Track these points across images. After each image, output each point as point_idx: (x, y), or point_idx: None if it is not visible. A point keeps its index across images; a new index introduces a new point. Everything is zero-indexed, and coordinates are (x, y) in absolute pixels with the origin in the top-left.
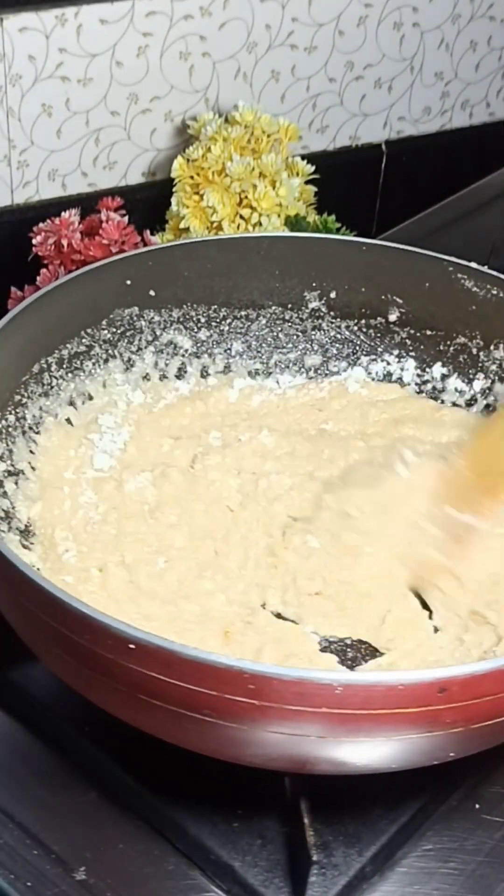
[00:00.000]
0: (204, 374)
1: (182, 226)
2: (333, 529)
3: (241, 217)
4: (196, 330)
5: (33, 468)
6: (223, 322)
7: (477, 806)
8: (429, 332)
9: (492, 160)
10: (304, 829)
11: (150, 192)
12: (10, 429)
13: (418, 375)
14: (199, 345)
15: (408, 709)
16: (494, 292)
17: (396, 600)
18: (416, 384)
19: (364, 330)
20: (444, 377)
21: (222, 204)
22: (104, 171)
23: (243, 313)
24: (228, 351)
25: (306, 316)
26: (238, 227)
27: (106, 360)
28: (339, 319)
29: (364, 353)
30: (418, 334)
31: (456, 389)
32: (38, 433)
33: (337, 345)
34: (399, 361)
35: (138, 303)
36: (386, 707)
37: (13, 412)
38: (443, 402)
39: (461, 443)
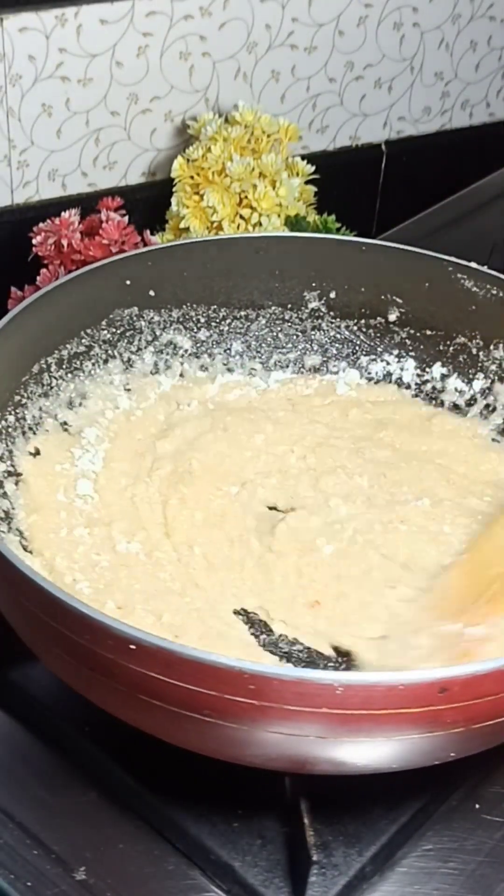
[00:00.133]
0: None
1: (182, 226)
2: None
3: (241, 217)
4: (196, 330)
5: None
6: (223, 322)
7: (477, 806)
8: (428, 332)
9: (492, 160)
10: (304, 829)
11: (150, 192)
12: (9, 429)
13: (418, 375)
14: (198, 345)
15: (408, 709)
16: (494, 292)
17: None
18: (416, 384)
19: (364, 330)
20: (443, 377)
21: (222, 204)
22: (104, 171)
23: (243, 313)
24: (228, 351)
25: (306, 316)
26: (238, 227)
27: (106, 361)
28: (338, 319)
29: (364, 353)
30: (418, 334)
31: (456, 389)
32: (35, 434)
33: (336, 345)
34: (399, 361)
35: (138, 303)
36: (386, 707)
37: (13, 412)
38: (442, 402)
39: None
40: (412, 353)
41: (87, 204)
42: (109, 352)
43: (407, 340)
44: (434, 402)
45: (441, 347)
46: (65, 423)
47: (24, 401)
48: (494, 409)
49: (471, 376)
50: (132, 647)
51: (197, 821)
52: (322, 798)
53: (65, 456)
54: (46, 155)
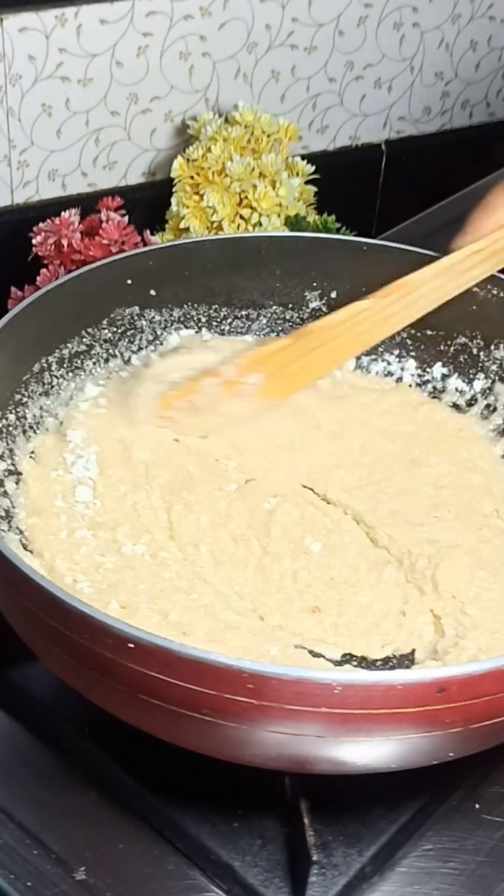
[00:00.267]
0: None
1: (182, 226)
2: None
3: (241, 217)
4: (197, 329)
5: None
6: (224, 322)
7: (477, 806)
8: (429, 332)
9: (492, 160)
10: (304, 829)
11: (150, 192)
12: (10, 428)
13: (419, 375)
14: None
15: (407, 709)
16: (495, 292)
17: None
18: (417, 384)
19: None
20: (444, 377)
21: (222, 204)
22: (104, 171)
23: (244, 313)
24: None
25: (307, 316)
26: (238, 227)
27: (107, 360)
28: None
29: (364, 352)
30: (419, 334)
31: (456, 389)
32: (36, 434)
33: None
34: (399, 361)
35: (139, 302)
36: (385, 707)
37: (13, 411)
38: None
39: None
40: (413, 353)
41: (87, 204)
42: (111, 351)
43: (408, 340)
44: (419, 397)
45: (442, 347)
46: (63, 423)
47: (24, 399)
48: (495, 409)
49: (471, 376)
50: (131, 645)
51: (197, 821)
52: (322, 798)
53: (58, 462)
54: (46, 155)
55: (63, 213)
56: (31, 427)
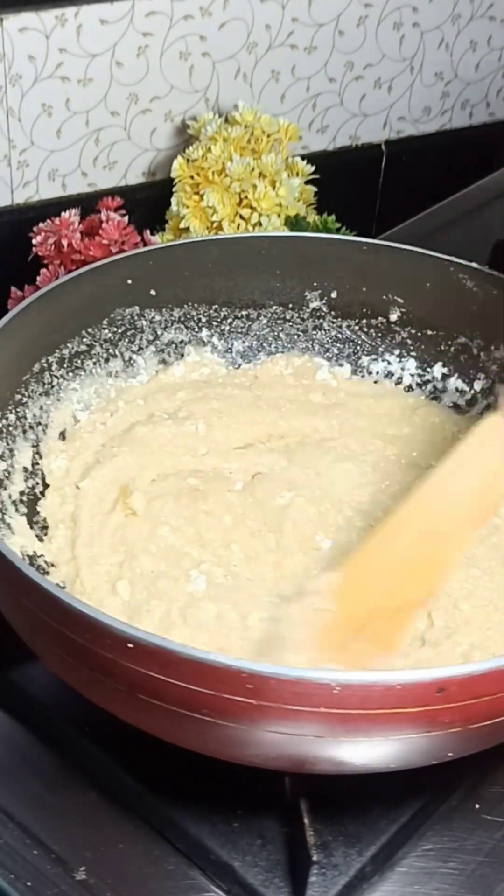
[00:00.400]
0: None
1: (182, 226)
2: None
3: (241, 217)
4: (197, 329)
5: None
6: (224, 322)
7: (477, 806)
8: (429, 332)
9: (492, 160)
10: (304, 829)
11: (150, 192)
12: (10, 428)
13: (419, 375)
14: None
15: (406, 709)
16: (495, 293)
17: None
18: (417, 384)
19: (365, 330)
20: (444, 377)
21: (222, 204)
22: (104, 171)
23: (244, 313)
24: (229, 350)
25: (307, 315)
26: (238, 227)
27: (107, 360)
28: (339, 319)
29: (365, 352)
30: (419, 334)
31: (457, 389)
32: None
33: (338, 344)
34: (400, 361)
35: (139, 302)
36: (384, 707)
37: (14, 411)
38: (442, 402)
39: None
40: (413, 353)
41: (87, 204)
42: (111, 351)
43: (408, 340)
44: (412, 401)
45: (442, 347)
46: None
47: (24, 399)
48: (495, 409)
49: (472, 376)
50: (130, 646)
51: (197, 821)
52: (322, 798)
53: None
54: (46, 155)
55: (63, 213)
56: (31, 427)
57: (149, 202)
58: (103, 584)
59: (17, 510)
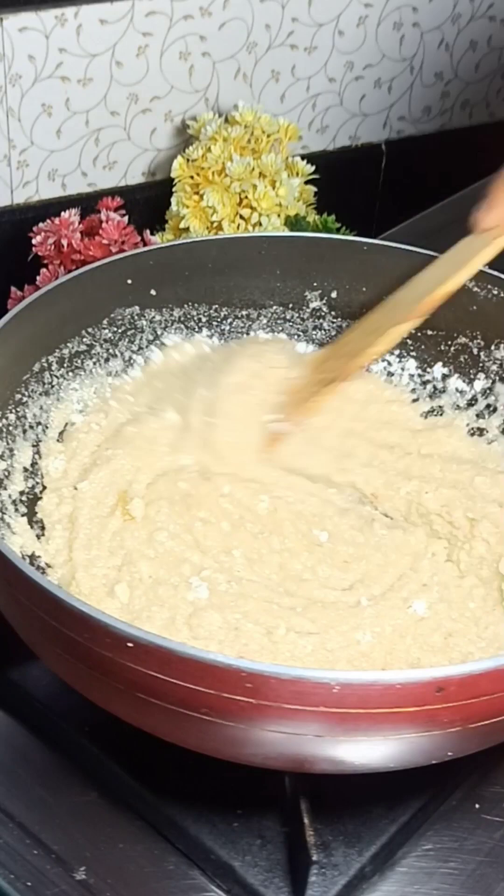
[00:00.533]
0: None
1: (182, 226)
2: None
3: (241, 217)
4: (197, 329)
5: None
6: (224, 322)
7: (477, 806)
8: (429, 332)
9: (492, 160)
10: (304, 829)
11: (150, 192)
12: (10, 427)
13: (419, 375)
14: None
15: (405, 708)
16: (495, 292)
17: None
18: (417, 384)
19: None
20: (444, 377)
21: (222, 204)
22: (104, 171)
23: (244, 313)
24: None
25: (307, 315)
26: (238, 227)
27: (107, 359)
28: (340, 319)
29: None
30: (419, 334)
31: (457, 389)
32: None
33: None
34: (400, 361)
35: (139, 302)
36: (383, 706)
37: (14, 411)
38: (441, 403)
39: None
40: (413, 353)
41: (87, 204)
42: (111, 350)
43: (408, 340)
44: (434, 401)
45: (442, 347)
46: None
47: (24, 399)
48: (495, 409)
49: (472, 376)
50: (129, 645)
51: (197, 821)
52: (322, 798)
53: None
54: (46, 155)
55: (63, 213)
56: (31, 427)
57: (149, 202)
58: (100, 586)
59: (17, 510)
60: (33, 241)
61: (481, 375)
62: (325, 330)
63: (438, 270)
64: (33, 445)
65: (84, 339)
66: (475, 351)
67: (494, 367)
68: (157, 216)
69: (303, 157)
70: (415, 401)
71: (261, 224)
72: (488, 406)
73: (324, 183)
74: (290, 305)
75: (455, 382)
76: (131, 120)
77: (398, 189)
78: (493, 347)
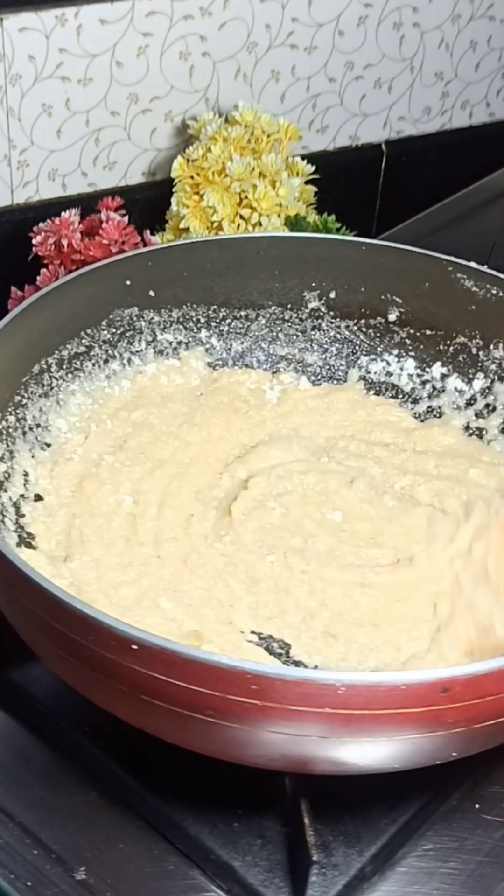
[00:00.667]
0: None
1: (182, 226)
2: None
3: (241, 217)
4: (196, 330)
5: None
6: (223, 322)
7: (477, 806)
8: (428, 332)
9: (492, 160)
10: (304, 829)
11: (150, 192)
12: (10, 430)
13: (418, 375)
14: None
15: (410, 709)
16: (494, 292)
17: None
18: (417, 384)
19: (364, 330)
20: (443, 377)
21: (222, 204)
22: (104, 171)
23: (243, 313)
24: (228, 351)
25: (306, 316)
26: (238, 227)
27: (106, 361)
28: (338, 319)
29: (363, 352)
30: (418, 334)
31: (456, 389)
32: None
33: (336, 345)
34: (399, 361)
35: (138, 303)
36: (388, 707)
37: (13, 413)
38: (440, 403)
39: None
40: (412, 353)
41: (87, 204)
42: (110, 352)
43: (407, 340)
44: (433, 401)
45: (441, 347)
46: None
47: (24, 401)
48: (494, 408)
49: (471, 376)
50: (134, 647)
51: (197, 821)
52: (322, 798)
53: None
54: (46, 155)
55: (63, 213)
56: (30, 429)
57: (149, 202)
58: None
59: (17, 512)
60: (33, 241)
61: (480, 375)
62: (323, 330)
63: None
64: (31, 448)
65: (83, 341)
66: (474, 350)
67: (493, 367)
68: (157, 216)
69: (303, 157)
70: (403, 404)
71: (261, 224)
72: (487, 406)
73: (324, 183)
74: (289, 306)
75: (454, 382)
76: (131, 120)
77: (398, 189)
78: (491, 347)
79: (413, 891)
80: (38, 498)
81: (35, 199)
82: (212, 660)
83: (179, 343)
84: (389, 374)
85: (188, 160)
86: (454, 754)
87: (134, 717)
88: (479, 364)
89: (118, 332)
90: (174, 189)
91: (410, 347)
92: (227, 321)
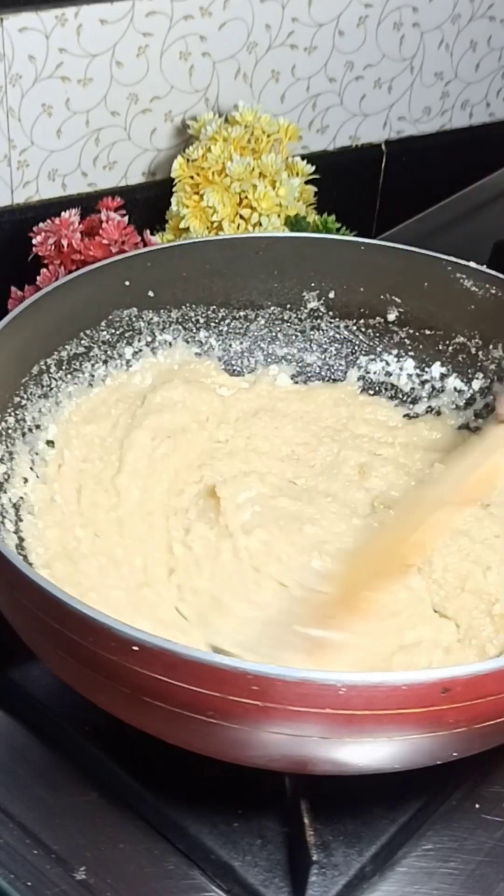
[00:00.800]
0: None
1: (182, 226)
2: None
3: (241, 217)
4: (195, 331)
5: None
6: (222, 322)
7: (477, 806)
8: (428, 332)
9: (492, 160)
10: (304, 829)
11: (150, 192)
12: (9, 431)
13: (417, 375)
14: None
15: (411, 709)
16: (493, 292)
17: None
18: (416, 384)
19: (363, 330)
20: (443, 377)
21: (222, 204)
22: (104, 171)
23: (242, 314)
24: (227, 351)
25: (305, 316)
26: (238, 227)
27: (105, 362)
28: (337, 319)
29: (363, 352)
30: (417, 334)
31: (455, 389)
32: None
33: (336, 345)
34: (398, 361)
35: (137, 303)
36: (389, 707)
37: (12, 414)
38: (440, 403)
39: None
40: (411, 353)
41: (87, 204)
42: (109, 353)
43: (406, 340)
44: (432, 401)
45: (440, 347)
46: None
47: (23, 402)
48: (494, 408)
49: (470, 376)
50: (135, 648)
51: (197, 821)
52: (322, 798)
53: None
54: (46, 155)
55: (63, 213)
56: (30, 430)
57: (149, 202)
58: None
59: (17, 513)
60: (33, 241)
61: (479, 375)
62: (322, 330)
63: (470, 458)
64: (30, 450)
65: (82, 342)
66: (473, 350)
67: (493, 367)
68: (157, 216)
69: (303, 157)
70: (397, 405)
71: (261, 224)
72: (487, 405)
73: (324, 183)
74: (288, 306)
75: (453, 382)
76: (131, 120)
77: (398, 189)
78: (491, 347)
79: (413, 891)
80: (39, 499)
81: (35, 199)
82: (213, 661)
83: (178, 343)
84: (389, 374)
85: (188, 160)
86: (455, 754)
87: (135, 717)
88: (479, 364)
89: (117, 332)
90: (174, 189)
91: (410, 347)
92: (227, 321)
